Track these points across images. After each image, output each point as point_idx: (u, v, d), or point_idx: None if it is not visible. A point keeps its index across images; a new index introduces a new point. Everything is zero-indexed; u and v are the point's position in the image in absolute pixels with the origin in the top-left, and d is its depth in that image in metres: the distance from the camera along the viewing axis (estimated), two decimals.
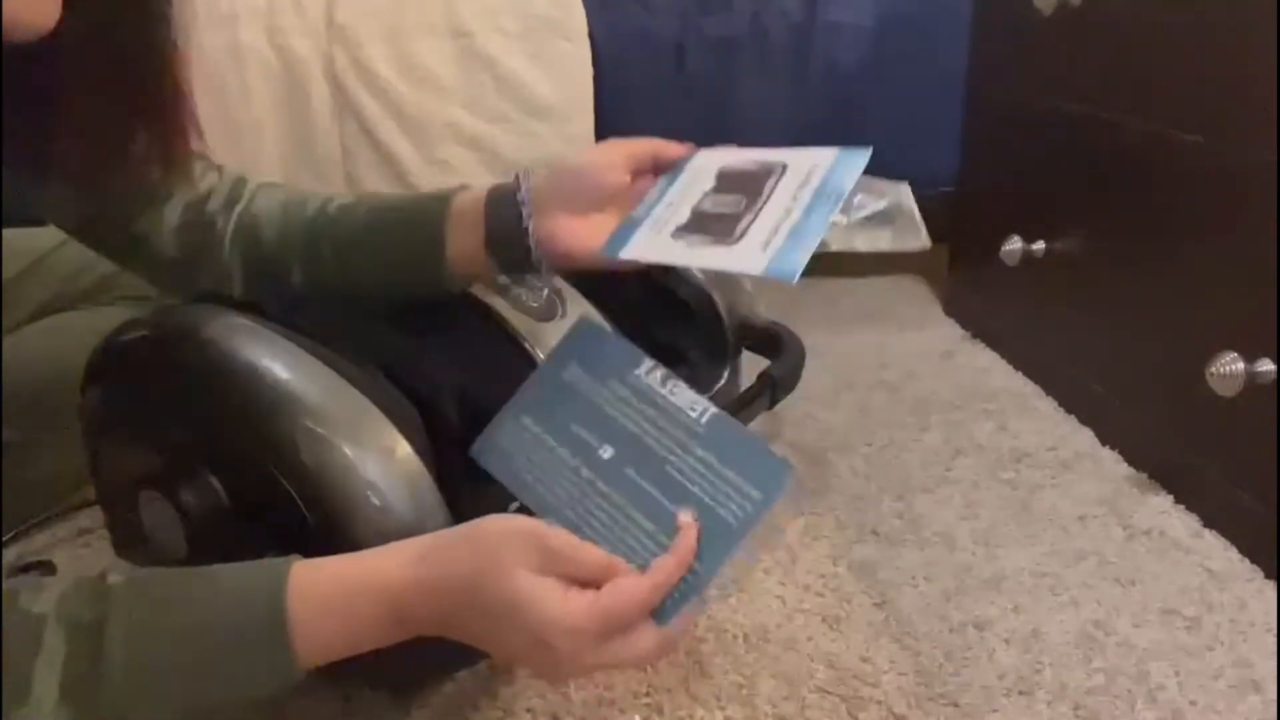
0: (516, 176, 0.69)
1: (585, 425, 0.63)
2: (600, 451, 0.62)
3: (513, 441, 0.65)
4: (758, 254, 0.60)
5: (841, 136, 1.58)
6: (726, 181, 0.67)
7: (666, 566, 0.53)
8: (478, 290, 0.82)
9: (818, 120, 1.48)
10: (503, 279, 0.84)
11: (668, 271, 0.99)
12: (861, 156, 0.66)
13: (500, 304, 0.80)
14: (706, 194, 0.67)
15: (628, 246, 0.66)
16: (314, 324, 0.72)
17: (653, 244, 0.66)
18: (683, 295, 0.99)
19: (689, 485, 0.58)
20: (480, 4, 1.39)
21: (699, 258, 0.65)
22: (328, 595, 0.52)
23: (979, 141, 1.36)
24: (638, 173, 0.69)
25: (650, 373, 0.64)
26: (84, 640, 0.48)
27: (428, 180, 1.38)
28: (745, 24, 1.45)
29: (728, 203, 0.64)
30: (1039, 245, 1.18)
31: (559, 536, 0.53)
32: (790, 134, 1.51)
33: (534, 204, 0.67)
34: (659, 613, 0.53)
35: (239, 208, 0.75)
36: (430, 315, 0.78)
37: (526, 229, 0.67)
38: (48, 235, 0.96)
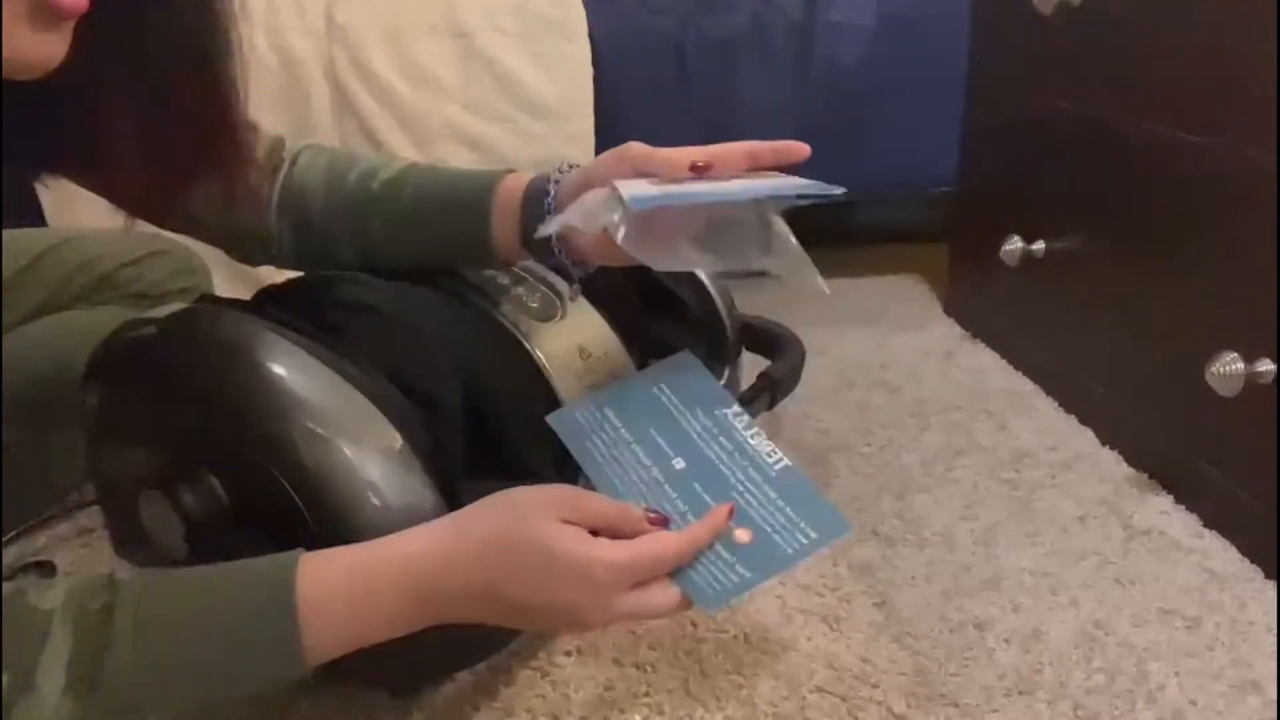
0: (549, 177, 0.70)
1: (665, 436, 0.66)
2: (674, 461, 0.65)
3: (591, 423, 0.67)
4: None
5: (842, 136, 1.58)
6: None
7: (698, 529, 0.58)
8: (477, 290, 0.82)
9: (818, 120, 1.48)
10: (503, 279, 0.84)
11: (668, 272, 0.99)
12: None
13: (500, 304, 0.80)
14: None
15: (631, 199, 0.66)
16: (315, 324, 0.73)
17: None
18: (683, 295, 0.99)
19: (751, 511, 0.61)
20: (480, 4, 1.39)
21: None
22: (341, 578, 0.52)
23: (979, 141, 1.36)
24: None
25: (738, 416, 0.67)
26: (90, 633, 0.48)
27: None
28: (745, 24, 1.45)
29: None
30: (1039, 245, 1.18)
31: (587, 495, 0.57)
32: (790, 134, 1.50)
33: (561, 207, 0.68)
34: (701, 596, 0.57)
35: (282, 174, 0.76)
36: (430, 315, 0.78)
37: (559, 246, 0.69)
38: (44, 235, 0.96)
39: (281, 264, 0.80)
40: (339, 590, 0.52)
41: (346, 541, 0.63)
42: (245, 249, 0.80)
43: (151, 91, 0.58)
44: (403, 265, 0.77)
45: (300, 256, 0.79)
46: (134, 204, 0.70)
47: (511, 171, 0.72)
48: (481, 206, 0.71)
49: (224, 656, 0.51)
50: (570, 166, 0.70)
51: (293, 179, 0.76)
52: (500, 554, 0.54)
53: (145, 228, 0.77)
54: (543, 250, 0.70)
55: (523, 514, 0.55)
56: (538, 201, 0.69)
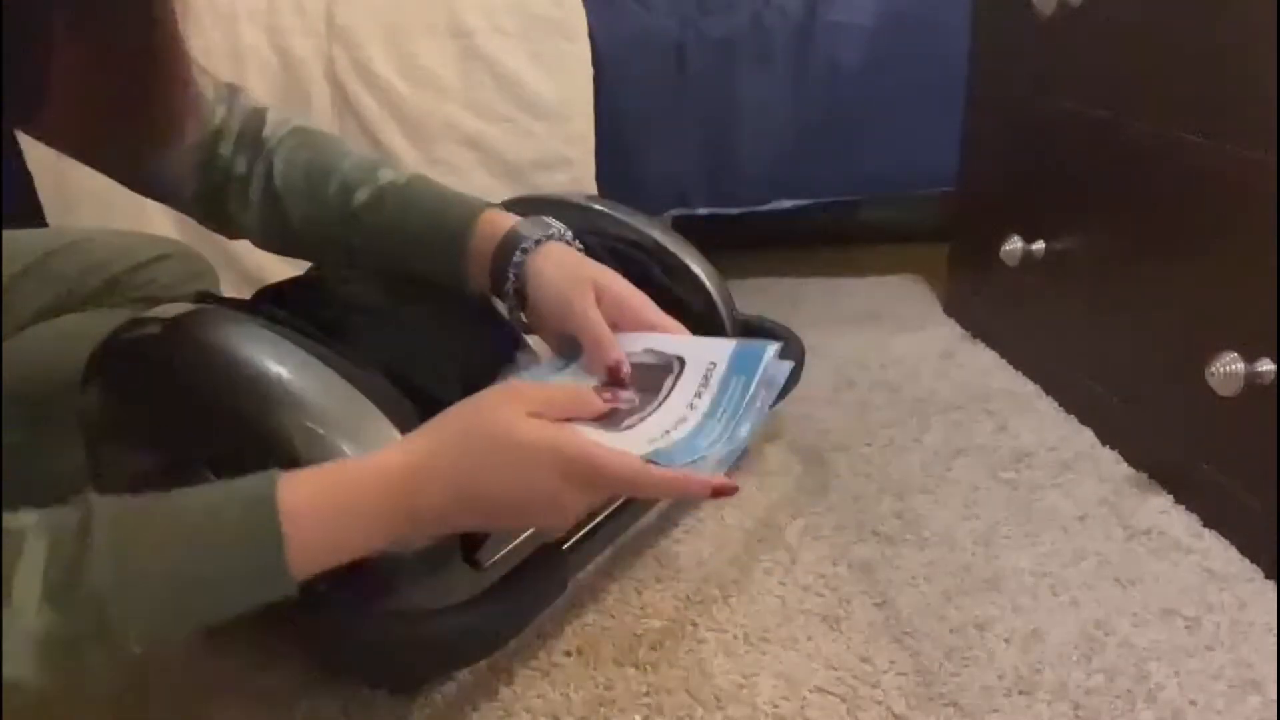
0: (521, 237, 0.71)
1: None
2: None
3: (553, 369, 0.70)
4: (656, 447, 0.59)
5: (842, 136, 1.58)
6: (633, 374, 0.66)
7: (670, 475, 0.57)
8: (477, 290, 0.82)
9: (818, 120, 1.48)
10: None
11: (667, 271, 0.99)
12: (760, 352, 0.66)
13: (500, 304, 0.80)
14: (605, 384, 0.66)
15: None
16: (315, 323, 0.73)
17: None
18: (683, 295, 0.99)
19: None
20: (480, 4, 1.39)
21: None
22: (321, 490, 0.53)
23: (979, 141, 1.36)
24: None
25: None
26: (67, 544, 0.48)
27: None
28: (745, 24, 1.45)
29: (625, 397, 0.64)
30: (1039, 245, 1.18)
31: (547, 385, 0.60)
32: (790, 134, 1.51)
33: (525, 286, 0.71)
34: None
35: (263, 167, 0.77)
36: (430, 315, 0.78)
37: (515, 304, 0.72)
38: (50, 236, 0.96)
39: (255, 244, 0.81)
40: (320, 501, 0.52)
41: None
42: (219, 220, 0.81)
43: (95, 25, 0.57)
44: (382, 270, 0.79)
45: (276, 246, 0.81)
46: (78, 149, 0.71)
47: (489, 208, 0.74)
48: (458, 244, 0.73)
49: (206, 570, 0.50)
50: (543, 239, 0.72)
51: (273, 182, 0.77)
52: (472, 450, 0.55)
53: (148, 228, 0.77)
54: (500, 294, 0.73)
55: (489, 409, 0.56)
56: (506, 260, 0.71)
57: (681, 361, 0.66)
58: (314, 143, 0.79)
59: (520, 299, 0.71)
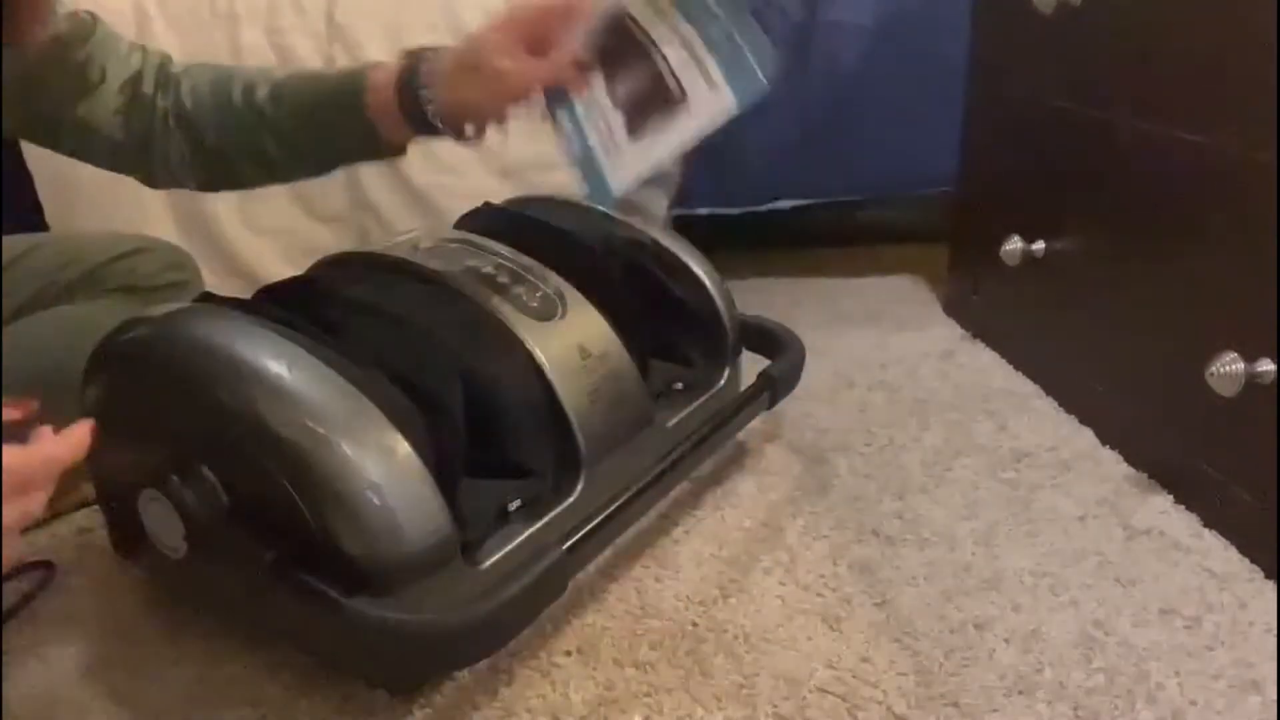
0: (417, 58, 0.74)
1: None
2: None
3: None
4: (718, 93, 0.59)
5: (842, 136, 1.58)
6: (610, 61, 0.66)
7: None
8: (477, 289, 0.82)
9: (818, 120, 1.48)
10: (503, 279, 0.84)
11: (667, 271, 0.99)
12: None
13: (500, 304, 0.81)
14: (608, 87, 0.66)
15: (613, 184, 0.65)
16: (315, 323, 0.73)
17: (628, 163, 0.64)
18: (682, 295, 0.99)
19: None
20: (480, 4, 1.39)
21: (675, 137, 0.64)
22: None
23: (979, 141, 1.36)
24: (535, 42, 0.70)
25: None
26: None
27: (428, 180, 1.38)
28: None
29: (635, 75, 0.63)
30: (1039, 245, 1.18)
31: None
32: (790, 134, 1.51)
33: (437, 86, 0.73)
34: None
35: (174, 94, 0.81)
36: (431, 315, 0.78)
37: (427, 110, 0.73)
38: (25, 239, 0.97)
39: (186, 183, 0.84)
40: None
41: (347, 540, 0.63)
42: (150, 164, 0.83)
43: None
44: (304, 174, 0.83)
45: (200, 177, 0.83)
46: None
47: (366, 66, 0.77)
48: (357, 99, 0.75)
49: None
50: (430, 48, 0.74)
51: (182, 103, 0.80)
52: None
53: (149, 227, 0.78)
54: (422, 127, 0.75)
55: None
56: (414, 84, 0.73)
57: (623, 7, 0.66)
58: (215, 65, 0.83)
59: (444, 108, 0.73)
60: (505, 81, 0.70)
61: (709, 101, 0.60)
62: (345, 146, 0.80)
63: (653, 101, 0.64)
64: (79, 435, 0.57)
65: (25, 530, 0.54)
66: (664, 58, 0.63)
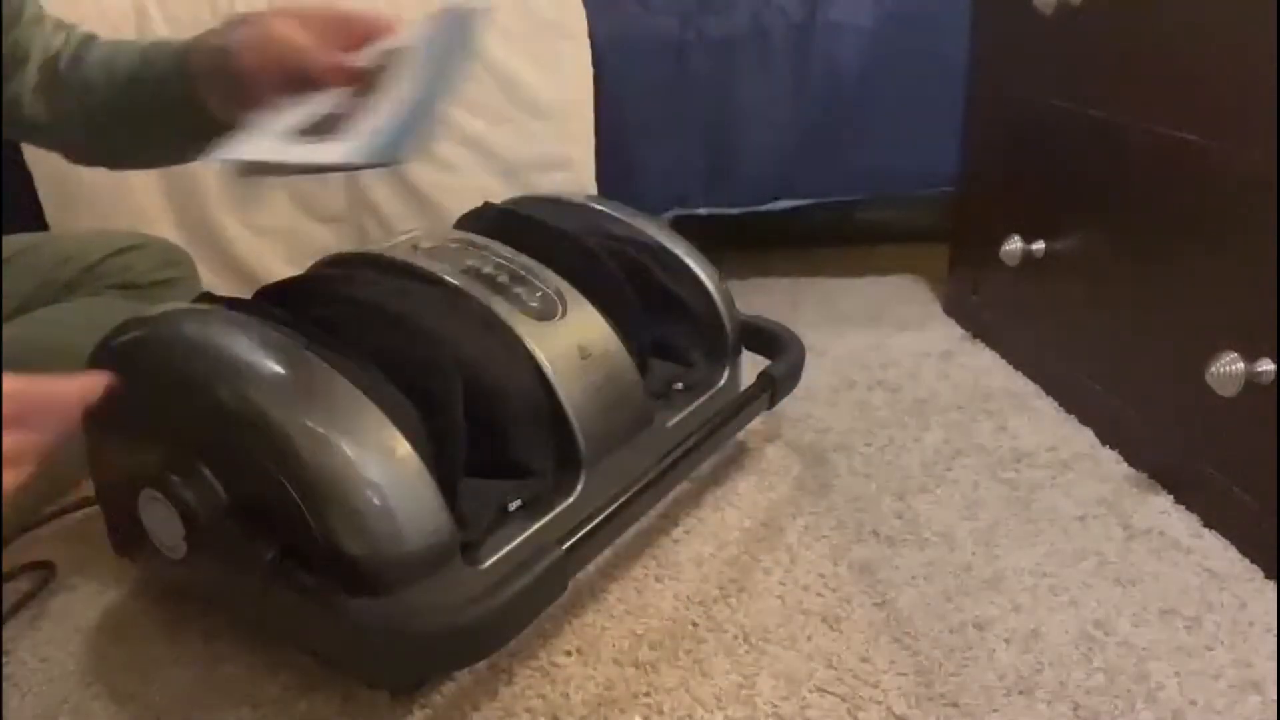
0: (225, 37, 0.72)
1: None
2: None
3: None
4: (357, 144, 0.60)
5: (841, 136, 1.58)
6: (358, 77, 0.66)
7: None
8: (477, 289, 0.82)
9: (818, 120, 1.48)
10: (503, 278, 0.84)
11: (667, 271, 0.99)
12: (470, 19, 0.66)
13: (500, 304, 0.80)
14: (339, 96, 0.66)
15: (225, 149, 0.64)
16: (314, 322, 0.73)
17: (249, 146, 0.64)
18: (682, 295, 0.99)
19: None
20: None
21: (292, 155, 0.63)
22: None
23: (979, 141, 1.36)
24: (329, 37, 0.70)
25: None
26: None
27: (428, 180, 1.38)
28: (745, 24, 1.45)
29: (346, 103, 0.63)
30: (1039, 245, 1.18)
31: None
32: (790, 134, 1.51)
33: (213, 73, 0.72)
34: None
35: (81, 71, 0.80)
36: (430, 315, 0.78)
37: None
38: (20, 239, 0.97)
39: (97, 161, 0.85)
40: None
41: (347, 540, 0.63)
42: (60, 146, 0.83)
43: None
44: (154, 151, 0.82)
45: (99, 152, 0.84)
46: None
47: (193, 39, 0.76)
48: (184, 69, 0.75)
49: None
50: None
51: (86, 79, 0.79)
52: None
53: (149, 227, 0.78)
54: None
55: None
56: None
57: (399, 51, 0.67)
58: (120, 41, 0.82)
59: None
60: (292, 48, 0.68)
61: (347, 150, 0.60)
62: (165, 115, 0.77)
63: (328, 121, 0.65)
64: (91, 380, 0.54)
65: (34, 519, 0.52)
66: (369, 96, 0.64)
